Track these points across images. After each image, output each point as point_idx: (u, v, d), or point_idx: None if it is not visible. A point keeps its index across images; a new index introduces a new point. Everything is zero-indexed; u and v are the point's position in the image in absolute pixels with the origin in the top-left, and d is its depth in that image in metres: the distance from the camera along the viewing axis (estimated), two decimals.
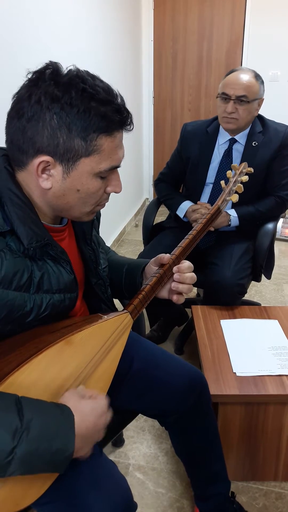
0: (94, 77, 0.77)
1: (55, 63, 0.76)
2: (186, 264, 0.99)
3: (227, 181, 1.22)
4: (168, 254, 0.99)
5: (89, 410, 0.75)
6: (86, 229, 0.99)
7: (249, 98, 1.72)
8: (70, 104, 0.73)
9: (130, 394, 1.11)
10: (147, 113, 4.30)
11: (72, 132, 0.74)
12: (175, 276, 0.97)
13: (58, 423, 0.70)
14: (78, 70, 0.76)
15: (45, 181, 0.78)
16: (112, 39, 3.07)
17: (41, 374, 0.75)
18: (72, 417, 0.72)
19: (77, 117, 0.73)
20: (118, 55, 3.23)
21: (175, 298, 1.00)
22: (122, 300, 1.29)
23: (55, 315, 0.87)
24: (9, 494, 0.72)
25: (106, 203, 0.89)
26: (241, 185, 1.18)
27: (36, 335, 0.81)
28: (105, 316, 0.89)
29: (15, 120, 0.76)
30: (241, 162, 1.83)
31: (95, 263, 1.02)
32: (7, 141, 0.80)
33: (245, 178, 1.20)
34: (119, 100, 0.78)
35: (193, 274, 0.98)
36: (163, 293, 1.03)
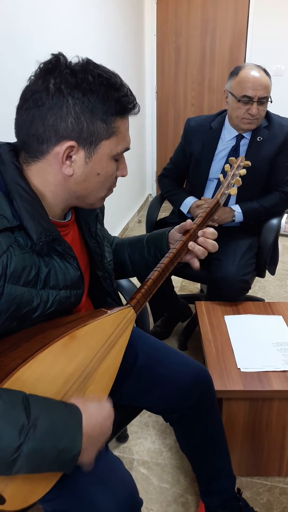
0: (104, 68, 0.80)
1: (62, 53, 0.78)
2: (211, 230, 1.04)
3: (225, 175, 1.22)
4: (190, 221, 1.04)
5: (95, 410, 0.75)
6: (91, 222, 0.99)
7: (269, 97, 1.71)
8: (90, 90, 0.76)
9: (134, 390, 1.11)
10: (149, 108, 4.28)
11: (94, 116, 0.77)
12: (200, 239, 1.02)
13: (65, 421, 0.70)
14: (85, 58, 0.79)
15: (68, 168, 0.79)
16: (115, 34, 3.05)
17: (46, 369, 0.75)
18: (80, 416, 0.72)
19: (98, 101, 0.77)
20: (120, 50, 3.21)
21: (190, 261, 1.05)
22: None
23: (60, 311, 0.87)
24: (17, 491, 0.72)
25: (113, 189, 0.92)
26: (239, 179, 1.18)
27: (41, 331, 0.82)
28: (109, 311, 0.90)
29: (33, 110, 0.76)
30: (246, 157, 1.83)
31: (100, 256, 1.02)
32: (19, 134, 0.80)
33: (243, 171, 1.20)
34: (126, 86, 0.82)
35: (215, 243, 1.04)
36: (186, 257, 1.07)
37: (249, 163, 1.23)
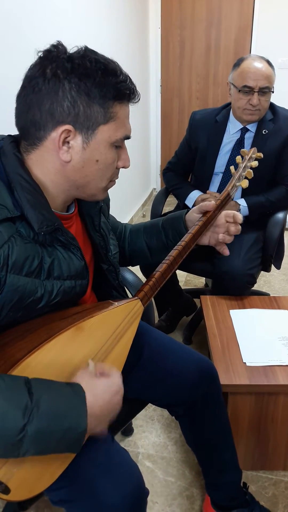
0: (104, 56, 0.80)
1: (61, 42, 0.78)
2: (238, 215, 1.06)
3: (236, 167, 1.20)
4: (212, 202, 1.05)
5: (102, 388, 0.75)
6: (94, 215, 0.99)
7: (270, 87, 1.70)
8: (86, 75, 0.75)
9: (140, 383, 1.11)
10: (154, 102, 4.26)
11: (91, 99, 0.76)
12: (227, 225, 1.06)
13: (68, 400, 0.70)
14: (83, 46, 0.79)
15: (65, 153, 0.79)
16: (119, 27, 3.03)
17: (52, 360, 0.75)
18: (83, 394, 0.72)
19: (95, 85, 0.76)
20: (124, 43, 3.19)
21: (218, 246, 1.08)
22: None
23: (65, 302, 0.87)
24: (22, 481, 0.73)
25: (116, 180, 0.91)
26: (251, 171, 1.16)
27: (47, 322, 0.82)
28: (116, 303, 0.89)
29: (30, 97, 0.76)
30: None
31: (105, 250, 1.01)
32: (18, 122, 0.80)
33: (255, 163, 1.18)
34: (124, 73, 0.81)
35: (240, 227, 1.07)
36: (204, 240, 1.09)
37: (261, 155, 1.21)
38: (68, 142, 0.78)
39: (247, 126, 1.83)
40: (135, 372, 1.10)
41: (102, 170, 0.83)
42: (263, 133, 1.80)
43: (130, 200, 3.73)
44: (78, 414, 0.70)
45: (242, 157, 1.20)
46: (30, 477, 0.74)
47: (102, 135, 0.79)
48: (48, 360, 0.75)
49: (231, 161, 1.85)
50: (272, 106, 1.84)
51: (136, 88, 0.83)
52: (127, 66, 3.27)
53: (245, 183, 1.15)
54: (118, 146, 0.84)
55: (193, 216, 1.08)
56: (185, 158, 2.01)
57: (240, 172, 1.16)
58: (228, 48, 3.97)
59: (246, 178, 1.18)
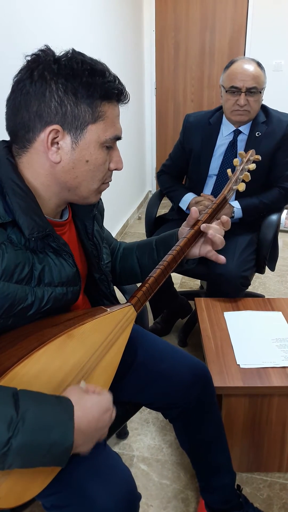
0: (91, 58, 0.81)
1: (49, 46, 0.79)
2: (215, 226, 1.03)
3: (233, 169, 1.19)
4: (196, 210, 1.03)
5: (92, 404, 0.74)
6: (88, 223, 0.99)
7: (259, 88, 1.70)
8: (73, 75, 0.76)
9: (134, 386, 1.11)
10: (149, 104, 4.27)
11: (78, 98, 0.77)
12: (203, 226, 1.01)
13: (55, 414, 0.69)
14: (71, 49, 0.80)
15: (55, 154, 0.79)
16: (113, 29, 3.03)
17: (42, 368, 0.75)
18: (71, 408, 0.71)
19: (82, 85, 0.76)
20: (119, 45, 3.20)
21: (209, 254, 1.04)
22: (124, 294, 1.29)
23: (57, 308, 0.86)
24: (11, 488, 0.72)
25: (110, 182, 0.90)
26: (248, 174, 1.15)
27: (38, 329, 0.81)
28: (108, 309, 0.89)
29: (18, 99, 0.77)
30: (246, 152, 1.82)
31: (97, 258, 1.01)
32: (8, 126, 0.81)
33: (253, 166, 1.17)
34: (112, 74, 0.82)
35: (220, 229, 1.04)
36: (194, 252, 1.05)
37: (259, 157, 1.20)
38: (57, 143, 0.78)
39: (240, 128, 1.83)
40: (129, 375, 1.10)
41: (92, 171, 0.83)
42: (256, 135, 1.80)
43: (125, 203, 3.73)
44: (65, 429, 0.68)
45: (240, 159, 1.19)
46: (19, 484, 0.73)
47: (91, 135, 0.79)
48: (38, 368, 0.74)
49: (225, 163, 1.86)
50: (265, 108, 1.85)
51: (125, 88, 0.83)
52: (121, 68, 3.29)
53: (242, 187, 1.13)
54: (109, 147, 0.84)
55: (184, 231, 1.06)
56: (179, 160, 2.02)
57: (238, 174, 1.15)
58: (223, 51, 3.98)
59: (243, 181, 1.17)
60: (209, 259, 1.05)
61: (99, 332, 0.85)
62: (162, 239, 1.14)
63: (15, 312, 0.78)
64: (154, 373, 1.10)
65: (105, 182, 0.88)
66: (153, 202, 2.11)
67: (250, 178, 1.16)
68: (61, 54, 0.78)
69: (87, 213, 0.98)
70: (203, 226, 1.01)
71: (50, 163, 0.80)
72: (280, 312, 1.62)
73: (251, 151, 1.20)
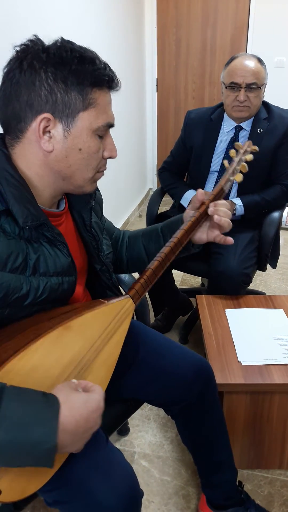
0: (81, 46, 0.80)
1: (38, 36, 0.80)
2: (222, 201, 1.03)
3: (230, 161, 1.17)
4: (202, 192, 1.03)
5: (80, 403, 0.70)
6: (85, 215, 0.98)
7: (259, 84, 1.70)
8: (62, 63, 0.76)
9: (136, 383, 1.11)
10: (150, 101, 4.25)
11: (68, 86, 0.76)
12: (210, 210, 1.01)
13: (39, 413, 0.66)
14: (60, 37, 0.80)
15: (47, 143, 0.79)
16: (115, 26, 3.02)
17: (40, 360, 0.74)
18: (56, 407, 0.67)
19: (71, 73, 0.76)
20: (121, 42, 3.18)
21: (218, 238, 1.04)
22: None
23: (54, 299, 0.86)
24: (13, 481, 0.72)
25: (104, 171, 0.90)
26: (245, 164, 1.13)
27: (35, 322, 0.81)
28: (106, 301, 0.89)
29: (8, 90, 0.77)
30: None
31: (97, 250, 1.01)
32: (0, 117, 0.81)
33: (250, 157, 1.15)
34: (103, 61, 0.81)
35: (228, 211, 1.02)
36: (201, 236, 1.06)
37: (256, 148, 1.18)
38: (49, 132, 0.78)
39: (241, 125, 1.83)
40: (131, 372, 1.10)
41: (86, 159, 0.82)
42: (258, 131, 1.80)
43: (126, 200, 3.72)
44: (47, 428, 0.65)
45: (237, 151, 1.17)
46: (21, 477, 0.73)
47: (82, 122, 0.79)
48: (35, 360, 0.73)
49: (226, 159, 1.85)
50: (267, 105, 1.85)
51: (115, 75, 0.83)
52: (122, 65, 3.28)
53: (239, 177, 1.11)
54: (102, 135, 0.83)
55: (189, 214, 1.06)
56: (181, 157, 2.02)
57: (235, 166, 1.13)
58: (224, 47, 3.97)
59: (240, 172, 1.15)
60: (217, 243, 1.06)
61: (97, 324, 0.85)
62: (168, 224, 1.14)
63: (11, 301, 0.78)
64: (156, 369, 1.10)
65: (99, 171, 0.88)
66: (154, 199, 2.10)
67: (247, 169, 1.14)
68: (50, 43, 0.78)
69: (84, 205, 0.98)
70: (211, 207, 1.02)
71: (43, 152, 0.80)
72: (282, 310, 1.62)
73: (248, 142, 1.19)
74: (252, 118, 1.82)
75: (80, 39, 2.44)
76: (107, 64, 0.82)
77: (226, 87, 1.73)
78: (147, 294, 1.94)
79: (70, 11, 2.27)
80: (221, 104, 1.90)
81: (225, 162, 1.15)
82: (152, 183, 4.63)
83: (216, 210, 1.01)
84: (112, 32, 2.98)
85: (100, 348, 0.85)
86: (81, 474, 0.82)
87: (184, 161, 2.01)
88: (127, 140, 3.54)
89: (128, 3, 3.34)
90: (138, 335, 1.14)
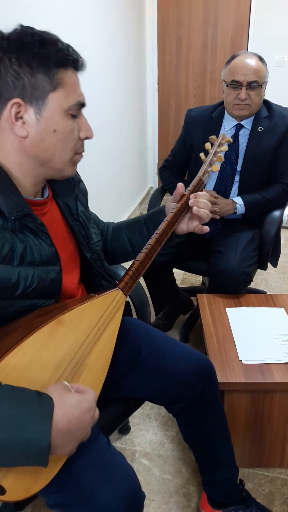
0: (42, 30, 0.81)
1: None
2: (202, 192, 1.06)
3: (207, 153, 1.21)
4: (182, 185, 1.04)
5: (73, 403, 0.70)
6: (71, 203, 0.99)
7: (260, 82, 1.69)
8: (25, 47, 0.77)
9: (138, 382, 1.11)
10: (151, 100, 4.25)
11: (34, 69, 0.77)
12: (191, 201, 1.03)
13: (32, 412, 0.66)
14: (20, 24, 0.80)
15: (21, 129, 0.79)
16: (115, 24, 3.02)
17: (34, 356, 0.74)
18: (50, 407, 0.68)
19: (35, 56, 0.77)
20: (121, 41, 3.18)
21: (196, 228, 1.05)
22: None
23: (45, 291, 0.86)
24: (17, 481, 0.72)
25: (83, 152, 0.90)
26: (221, 155, 1.17)
27: (27, 320, 0.81)
28: (96, 295, 0.90)
29: None
30: (247, 148, 1.81)
31: (86, 238, 1.02)
32: None
33: (225, 148, 1.19)
34: (65, 43, 0.82)
35: (208, 202, 1.04)
36: (182, 227, 1.08)
37: (230, 139, 1.22)
38: (21, 117, 0.79)
39: (242, 123, 1.82)
40: (133, 371, 1.10)
41: (62, 140, 0.83)
42: (259, 130, 1.80)
43: (127, 199, 3.72)
44: (41, 427, 0.65)
45: (212, 144, 1.22)
46: (25, 476, 0.73)
47: (53, 103, 0.80)
48: (29, 356, 0.73)
49: (227, 158, 1.85)
50: (268, 103, 1.84)
51: (79, 55, 0.83)
52: (123, 64, 3.27)
53: (216, 167, 1.15)
54: (75, 115, 0.84)
55: (171, 206, 1.08)
56: (181, 156, 2.01)
57: (211, 158, 1.17)
58: (225, 46, 3.96)
59: (217, 162, 1.18)
60: (196, 233, 1.07)
61: (89, 317, 0.86)
62: (150, 216, 1.15)
63: (1, 292, 0.78)
64: (158, 368, 1.10)
65: (77, 153, 0.88)
66: (155, 198, 2.10)
67: (224, 159, 1.18)
68: (10, 31, 0.79)
69: (67, 193, 0.99)
70: (191, 198, 1.04)
71: (18, 139, 0.80)
72: (283, 308, 1.62)
73: (222, 135, 1.22)
74: (253, 117, 1.82)
75: (80, 38, 2.44)
76: (70, 46, 0.82)
77: (227, 85, 1.73)
78: (147, 293, 1.95)
79: (70, 10, 2.27)
80: (222, 103, 1.90)
81: (201, 155, 1.20)
82: (152, 182, 4.63)
83: (196, 202, 1.03)
84: (113, 30, 2.97)
85: (95, 340, 0.86)
86: (83, 477, 0.82)
87: (184, 159, 2.01)
88: (128, 138, 3.54)
89: (129, 1, 3.33)
90: (139, 333, 1.14)
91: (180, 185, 1.04)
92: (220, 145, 1.20)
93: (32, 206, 0.86)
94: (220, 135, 1.22)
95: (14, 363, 0.71)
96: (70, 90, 0.81)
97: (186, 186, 2.00)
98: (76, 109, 0.83)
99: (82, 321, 0.84)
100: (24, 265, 0.81)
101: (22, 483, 0.73)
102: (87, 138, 0.88)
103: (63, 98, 0.80)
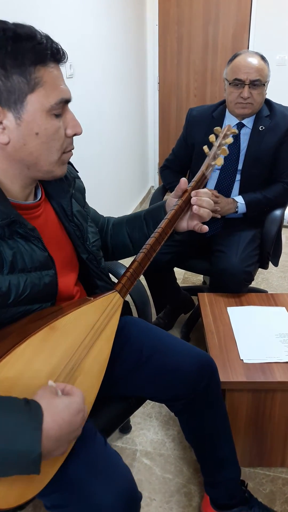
0: (16, 23, 0.75)
1: None
2: (204, 189, 1.02)
3: (211, 146, 1.16)
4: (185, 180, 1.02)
5: (62, 407, 0.69)
6: (65, 204, 0.96)
7: (262, 81, 1.69)
8: None
9: (140, 380, 1.11)
10: (152, 99, 4.24)
11: (8, 71, 0.72)
12: (193, 199, 1.00)
13: (21, 423, 0.64)
14: None
15: (1, 135, 0.76)
16: (116, 23, 3.01)
17: (26, 363, 0.73)
18: (39, 416, 0.66)
19: (8, 56, 0.71)
20: (122, 40, 3.18)
21: (196, 227, 1.02)
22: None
23: (39, 296, 0.84)
24: (10, 488, 0.70)
25: (72, 150, 0.86)
26: (226, 148, 1.12)
27: (20, 326, 0.79)
28: (92, 298, 0.88)
29: None
30: (248, 146, 1.81)
31: (82, 239, 1.00)
32: None
33: (230, 140, 1.13)
34: (43, 34, 0.76)
35: (210, 200, 1.01)
36: (183, 225, 1.05)
37: (236, 130, 1.18)
38: (1, 123, 0.75)
39: (243, 122, 1.82)
40: (135, 370, 1.10)
41: (46, 142, 0.79)
42: (260, 129, 1.79)
43: (128, 198, 3.72)
44: (31, 438, 0.64)
45: (216, 135, 1.16)
46: (18, 484, 0.71)
47: (33, 105, 0.75)
48: (22, 363, 0.72)
49: (228, 157, 1.85)
50: (269, 102, 1.84)
51: (59, 46, 0.77)
52: (124, 63, 3.27)
53: (220, 161, 1.10)
54: (59, 113, 0.79)
55: (172, 202, 1.05)
56: (182, 155, 2.01)
57: (215, 151, 1.12)
58: (226, 45, 3.95)
59: (221, 156, 1.14)
60: (196, 231, 1.05)
61: (84, 321, 0.84)
62: (150, 211, 1.13)
63: None
64: (161, 366, 1.10)
65: (66, 151, 0.84)
66: (156, 197, 2.10)
67: (228, 152, 1.14)
68: None
69: (61, 194, 0.96)
70: (193, 196, 1.01)
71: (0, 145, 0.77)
72: (284, 308, 1.62)
73: (227, 126, 1.18)
74: (254, 116, 1.81)
75: (80, 37, 2.43)
76: (48, 36, 0.76)
77: (229, 84, 1.73)
78: (148, 292, 1.95)
79: (70, 9, 2.26)
80: (223, 102, 1.90)
81: (205, 147, 1.14)
82: (153, 181, 4.63)
83: (199, 200, 1.00)
84: (114, 29, 2.97)
85: (90, 345, 0.84)
86: (78, 477, 0.81)
87: (185, 158, 2.01)
88: (129, 138, 3.53)
89: (130, 1, 3.33)
90: (141, 332, 1.14)
91: (183, 180, 1.01)
92: (225, 136, 1.15)
93: (22, 210, 0.84)
94: (225, 126, 1.17)
95: (5, 372, 0.70)
96: (51, 88, 0.76)
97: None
98: (59, 107, 0.78)
99: (77, 326, 0.82)
100: (15, 273, 0.79)
101: (15, 491, 0.71)
102: (75, 134, 0.83)
103: (44, 98, 0.75)
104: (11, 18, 0.74)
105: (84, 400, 0.74)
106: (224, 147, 1.13)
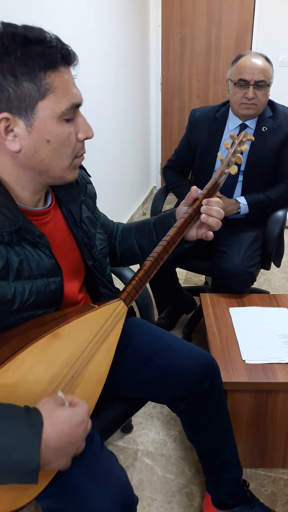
0: (25, 26, 0.74)
1: None
2: (216, 198, 1.00)
3: (225, 152, 1.14)
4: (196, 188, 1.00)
5: (64, 419, 0.68)
6: (74, 211, 0.96)
7: (267, 82, 1.70)
8: (6, 53, 0.70)
9: (143, 381, 1.11)
10: (154, 100, 4.25)
11: (18, 78, 0.71)
12: (203, 208, 0.98)
13: (20, 432, 0.63)
14: (6, 22, 0.73)
15: (13, 143, 0.75)
16: (119, 25, 3.02)
17: (27, 370, 0.72)
18: (39, 424, 0.65)
19: (18, 62, 0.70)
20: (125, 41, 3.18)
21: (203, 235, 1.01)
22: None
23: (44, 302, 0.84)
24: (4, 494, 0.70)
25: (84, 154, 0.85)
26: (241, 156, 1.09)
27: (23, 331, 0.79)
28: (97, 306, 0.87)
29: None
30: (251, 147, 1.81)
31: (89, 246, 0.99)
32: None
33: (245, 147, 1.11)
34: (53, 36, 0.75)
35: (221, 209, 0.99)
36: (192, 233, 1.03)
37: (252, 137, 1.15)
38: (11, 131, 0.74)
39: (246, 123, 1.82)
40: (138, 371, 1.10)
41: (57, 149, 0.78)
42: (263, 130, 1.80)
43: (130, 198, 3.72)
44: (29, 449, 0.62)
45: (232, 142, 1.13)
46: (13, 489, 0.70)
47: (44, 112, 0.74)
48: (23, 370, 0.71)
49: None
50: (272, 104, 1.84)
51: (69, 48, 0.76)
52: (127, 64, 3.28)
53: (234, 170, 1.07)
54: (70, 118, 0.77)
55: (182, 210, 1.03)
56: (185, 156, 2.01)
57: (230, 157, 1.09)
58: (229, 46, 3.96)
59: (236, 164, 1.11)
60: (204, 240, 1.04)
61: (87, 329, 0.83)
62: (160, 219, 1.12)
63: None
64: (164, 367, 1.10)
65: (77, 156, 0.83)
66: (159, 197, 2.10)
67: (242, 160, 1.11)
68: None
69: (72, 200, 0.95)
70: (204, 204, 0.98)
71: (11, 153, 0.76)
72: (286, 308, 1.62)
73: (244, 132, 1.15)
74: (257, 117, 1.81)
75: (84, 38, 2.44)
76: (58, 39, 0.74)
77: (234, 84, 1.73)
78: (150, 292, 1.95)
79: (73, 10, 2.27)
80: (226, 103, 1.90)
81: (219, 154, 1.12)
82: (156, 181, 4.63)
83: (209, 209, 0.98)
84: (117, 31, 2.97)
85: (92, 354, 0.84)
86: (74, 480, 0.80)
87: (188, 159, 2.01)
88: (132, 138, 3.54)
89: (133, 1, 3.33)
90: (143, 333, 1.14)
91: (194, 188, 0.99)
92: (241, 143, 1.11)
93: (32, 216, 0.83)
94: (242, 132, 1.14)
95: (5, 378, 0.69)
96: (62, 93, 0.75)
97: (192, 186, 2.00)
98: (71, 112, 0.77)
99: (79, 334, 0.81)
100: (21, 280, 0.78)
101: (10, 496, 0.70)
102: (87, 138, 0.82)
103: (54, 105, 0.74)
104: (12, 20, 0.74)
105: (88, 413, 0.73)
106: (238, 154, 1.09)
